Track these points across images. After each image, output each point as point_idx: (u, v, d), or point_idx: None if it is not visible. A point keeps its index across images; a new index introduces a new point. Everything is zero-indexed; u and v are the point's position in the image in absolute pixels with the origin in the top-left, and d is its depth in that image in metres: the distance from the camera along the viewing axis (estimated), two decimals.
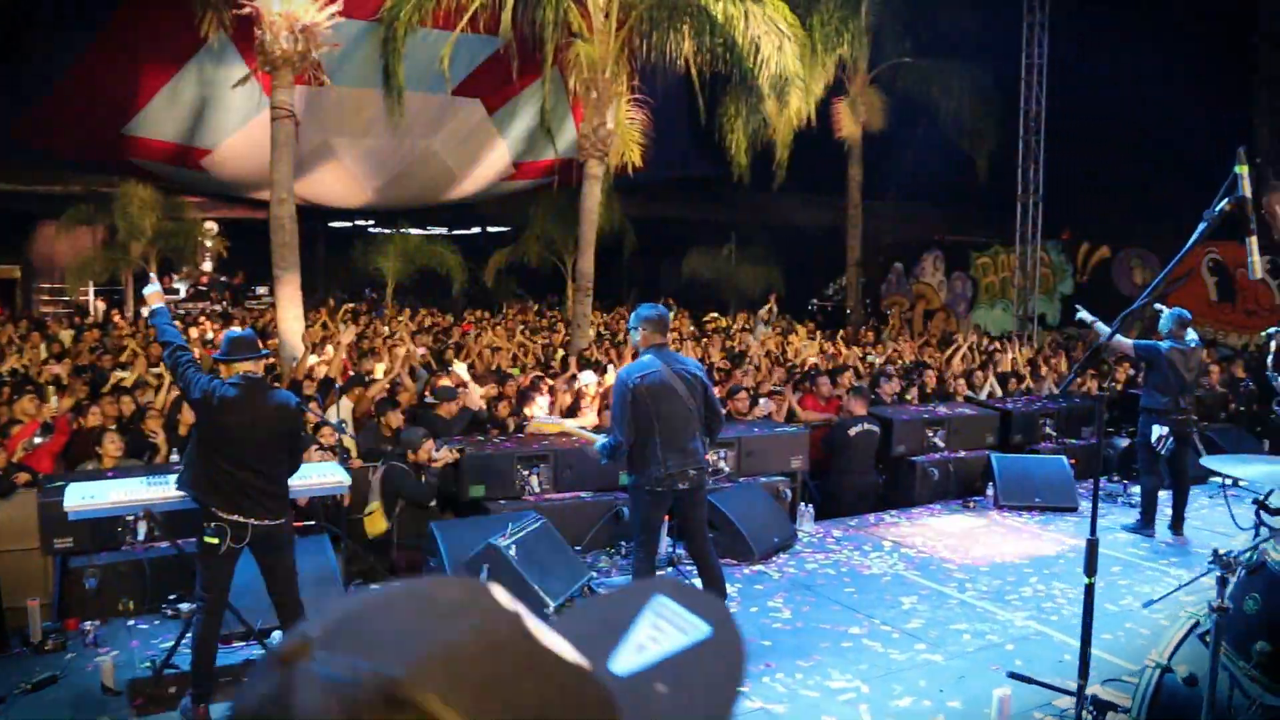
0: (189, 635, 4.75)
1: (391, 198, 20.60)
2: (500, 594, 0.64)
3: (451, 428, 8.05)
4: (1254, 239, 3.33)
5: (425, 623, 0.58)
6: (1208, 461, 3.95)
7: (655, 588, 0.73)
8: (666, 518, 5.84)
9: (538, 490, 7.17)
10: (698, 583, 5.81)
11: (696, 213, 25.51)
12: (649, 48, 13.91)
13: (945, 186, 21.05)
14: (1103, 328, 8.11)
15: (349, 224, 25.07)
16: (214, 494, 4.50)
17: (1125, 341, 8.18)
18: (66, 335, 14.57)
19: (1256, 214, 3.23)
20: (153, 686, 4.79)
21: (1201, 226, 3.19)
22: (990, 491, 8.67)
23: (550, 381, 9.99)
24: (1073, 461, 9.01)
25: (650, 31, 13.84)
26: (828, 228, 23.14)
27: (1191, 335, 8.04)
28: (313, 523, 6.19)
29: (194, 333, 14.42)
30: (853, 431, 8.65)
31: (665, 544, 6.65)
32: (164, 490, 5.04)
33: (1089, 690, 4.05)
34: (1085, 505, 8.59)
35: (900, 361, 12.53)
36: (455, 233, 26.35)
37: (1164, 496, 7.94)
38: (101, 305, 20.05)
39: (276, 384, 8.18)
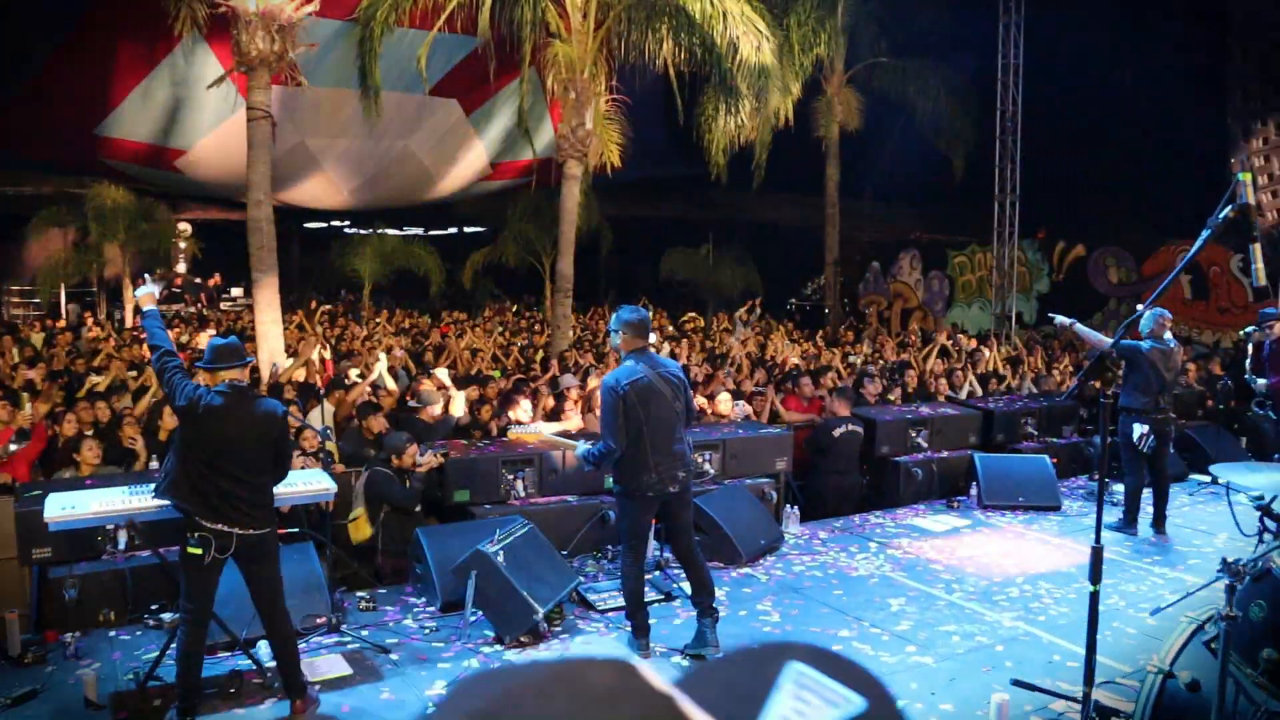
0: (173, 647, 4.67)
1: (368, 199, 20.45)
2: (650, 675, 0.60)
3: (435, 432, 7.98)
4: (1258, 246, 3.33)
5: (581, 713, 0.54)
6: (1217, 469, 3.95)
7: (788, 653, 0.67)
8: (653, 521, 5.81)
9: (523, 494, 7.12)
10: (686, 587, 5.81)
11: (673, 212, 25.51)
12: (627, 48, 13.87)
13: (922, 186, 21.16)
14: (1082, 329, 8.20)
15: (324, 225, 24.90)
16: (198, 503, 4.42)
17: (1107, 341, 8.23)
18: (37, 338, 14.37)
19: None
20: (137, 699, 4.70)
21: (1205, 234, 3.20)
22: (974, 491, 8.70)
23: (532, 384, 9.94)
24: (1054, 460, 9.06)
25: (628, 32, 13.81)
26: (805, 227, 23.19)
27: (1168, 334, 8.12)
28: (296, 530, 6.11)
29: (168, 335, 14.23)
30: (837, 432, 8.65)
31: (652, 547, 6.62)
32: (146, 499, 4.94)
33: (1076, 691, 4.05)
34: (1068, 504, 8.65)
35: (882, 362, 12.55)
36: (432, 233, 26.22)
37: (1145, 494, 7.98)
38: (74, 308, 19.78)
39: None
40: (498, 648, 5.39)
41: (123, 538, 5.75)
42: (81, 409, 7.78)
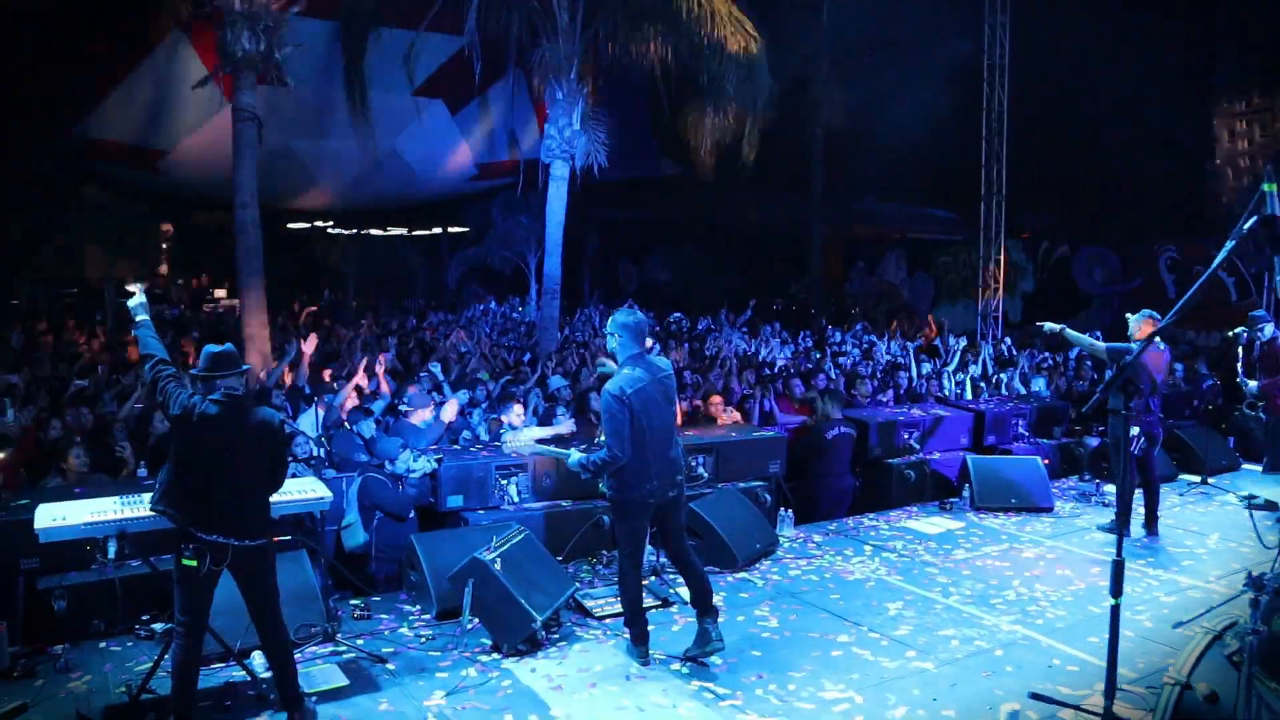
0: (167, 660, 4.60)
1: (353, 199, 20.33)
2: None
3: (426, 436, 7.92)
4: None
5: None
6: (1259, 486, 3.93)
7: None
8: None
9: (516, 500, 7.07)
10: (684, 592, 5.77)
11: (658, 212, 25.48)
12: (614, 49, 13.84)
13: (907, 185, 21.22)
14: (1072, 334, 8.22)
15: (307, 225, 24.70)
16: (192, 514, 4.35)
17: (1099, 344, 8.25)
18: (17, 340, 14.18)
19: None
20: (130, 713, 4.62)
21: (1229, 244, 3.19)
22: (966, 493, 8.69)
23: (519, 389, 9.88)
24: (1045, 461, 9.07)
25: (615, 32, 13.78)
26: (790, 226, 23.21)
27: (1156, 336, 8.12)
28: (289, 537, 6.02)
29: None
30: (830, 434, 8.64)
31: (647, 553, 6.57)
32: (139, 509, 4.87)
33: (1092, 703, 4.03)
34: (1060, 505, 8.66)
35: (872, 364, 12.56)
36: (415, 233, 26.08)
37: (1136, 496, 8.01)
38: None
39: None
40: (495, 656, 5.33)
41: (112, 547, 5.67)
42: (69, 415, 7.67)
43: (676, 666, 5.23)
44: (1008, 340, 14.61)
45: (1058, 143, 18.80)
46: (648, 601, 5.66)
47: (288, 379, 8.73)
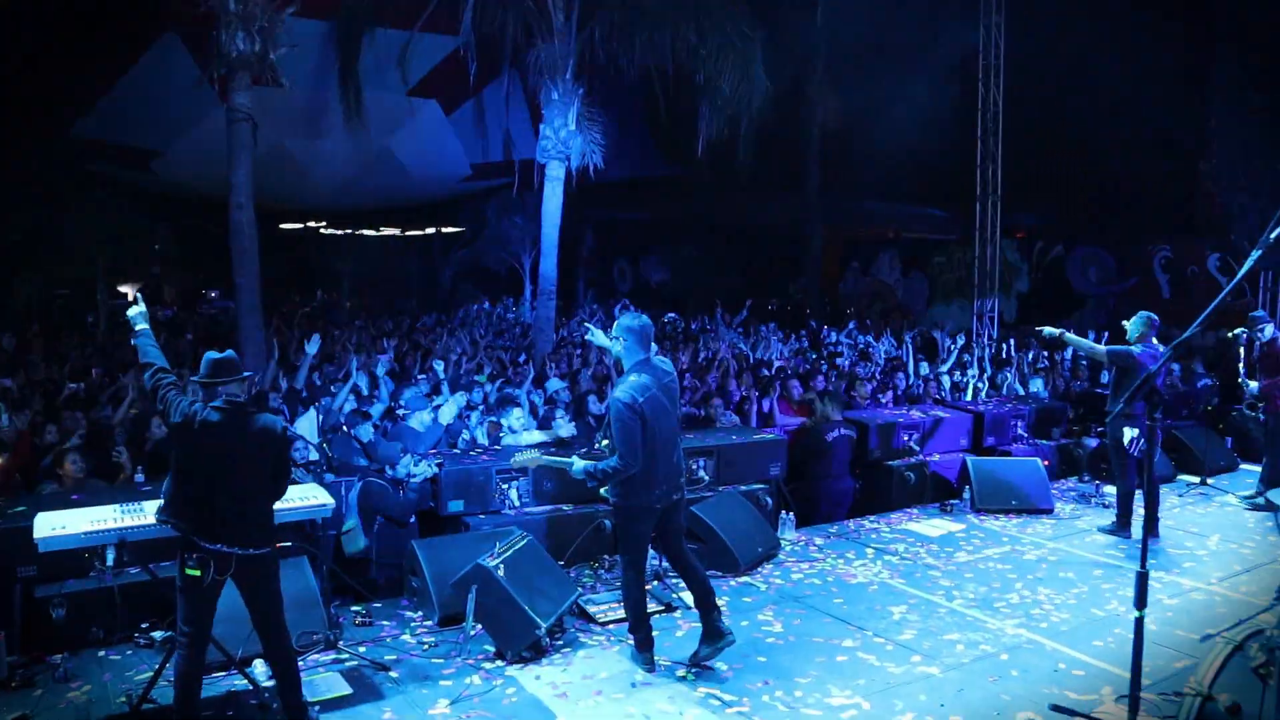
0: (169, 669, 4.55)
1: (347, 199, 20.25)
2: None
3: (425, 440, 7.87)
4: None
5: None
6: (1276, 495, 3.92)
7: None
8: None
9: (517, 504, 7.02)
10: (687, 597, 5.74)
11: (654, 212, 25.45)
12: (609, 49, 13.79)
13: (902, 185, 21.21)
14: (1072, 338, 8.22)
15: (300, 226, 24.60)
16: (196, 523, 4.30)
17: (1099, 347, 8.24)
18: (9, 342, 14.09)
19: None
20: None
21: (1255, 254, 3.16)
22: (966, 495, 8.68)
23: (516, 392, 9.83)
24: (1044, 463, 9.06)
25: (611, 33, 13.73)
26: (786, 227, 23.19)
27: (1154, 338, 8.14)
28: (289, 543, 5.97)
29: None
30: (829, 436, 8.61)
31: (649, 557, 6.53)
32: (138, 517, 4.82)
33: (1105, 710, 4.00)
34: (1060, 507, 8.65)
35: (871, 365, 12.53)
36: (409, 234, 25.99)
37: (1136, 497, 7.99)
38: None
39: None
40: (499, 663, 5.29)
41: (111, 554, 5.61)
42: (65, 419, 7.61)
43: (682, 673, 5.20)
44: (1011, 340, 14.59)
45: (1053, 143, 18.82)
46: (651, 606, 5.63)
47: (299, 381, 8.65)
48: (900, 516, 8.48)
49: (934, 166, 20.16)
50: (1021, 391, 11.44)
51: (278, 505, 4.73)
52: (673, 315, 21.09)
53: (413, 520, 6.73)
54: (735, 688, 5.02)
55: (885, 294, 24.03)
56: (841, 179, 21.45)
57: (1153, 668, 5.25)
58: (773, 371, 11.73)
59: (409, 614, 6.03)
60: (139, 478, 6.98)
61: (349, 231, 22.77)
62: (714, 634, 5.22)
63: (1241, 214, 13.85)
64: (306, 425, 7.64)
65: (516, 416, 8.14)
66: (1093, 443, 10.04)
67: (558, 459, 5.36)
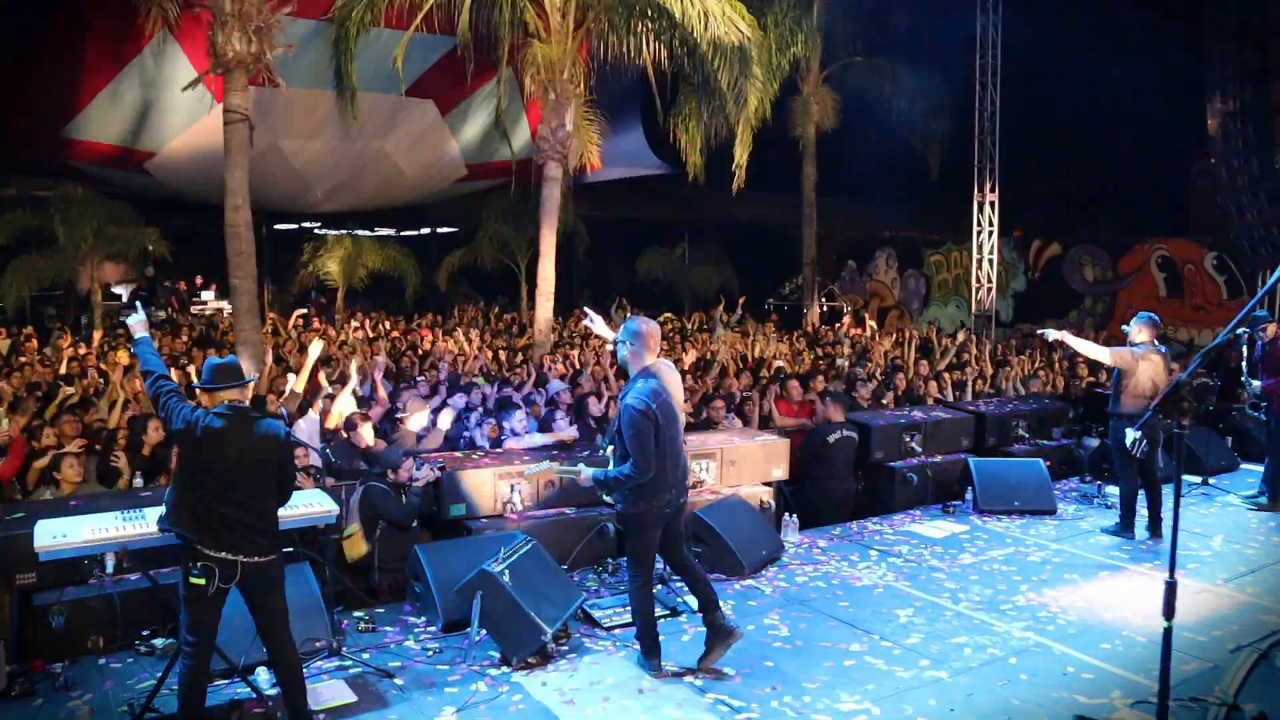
0: (171, 678, 4.50)
1: (342, 200, 20.15)
2: None
3: (426, 443, 7.83)
4: None
5: None
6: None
7: None
8: None
9: (520, 508, 6.97)
10: (691, 600, 5.70)
11: (649, 212, 25.39)
12: (607, 48, 13.72)
13: (898, 185, 21.21)
14: (1073, 341, 8.20)
15: (294, 226, 24.50)
16: (199, 530, 4.24)
17: (1102, 350, 8.22)
18: (3, 344, 14.00)
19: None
20: None
21: None
22: (969, 496, 8.65)
23: (519, 394, 9.79)
24: (1046, 463, 9.03)
25: (608, 32, 13.66)
26: (781, 227, 23.15)
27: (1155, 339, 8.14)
28: (291, 549, 5.91)
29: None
30: (832, 438, 8.57)
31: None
32: (141, 525, 4.76)
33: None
34: (1062, 508, 8.63)
35: (871, 365, 12.51)
36: (404, 234, 25.91)
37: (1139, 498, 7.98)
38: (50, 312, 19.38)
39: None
40: (505, 669, 5.24)
41: (110, 561, 5.56)
42: (65, 422, 7.54)
43: (690, 678, 5.16)
44: (1012, 340, 14.59)
45: (1050, 141, 18.83)
46: (656, 611, 5.58)
47: (299, 385, 8.57)
48: (903, 518, 8.45)
49: (931, 165, 20.18)
50: (1022, 391, 11.42)
51: (283, 513, 4.68)
52: (669, 315, 21.07)
53: (414, 525, 6.66)
54: (744, 693, 4.98)
55: (881, 294, 24.02)
56: (838, 178, 21.42)
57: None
58: (773, 372, 11.71)
59: (412, 619, 5.98)
60: (138, 482, 6.92)
61: (344, 232, 22.66)
62: (720, 632, 5.19)
63: (1239, 213, 13.84)
64: (305, 430, 7.58)
65: (519, 419, 8.08)
66: (1093, 443, 10.03)
67: (568, 467, 5.28)
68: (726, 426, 8.93)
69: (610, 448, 5.19)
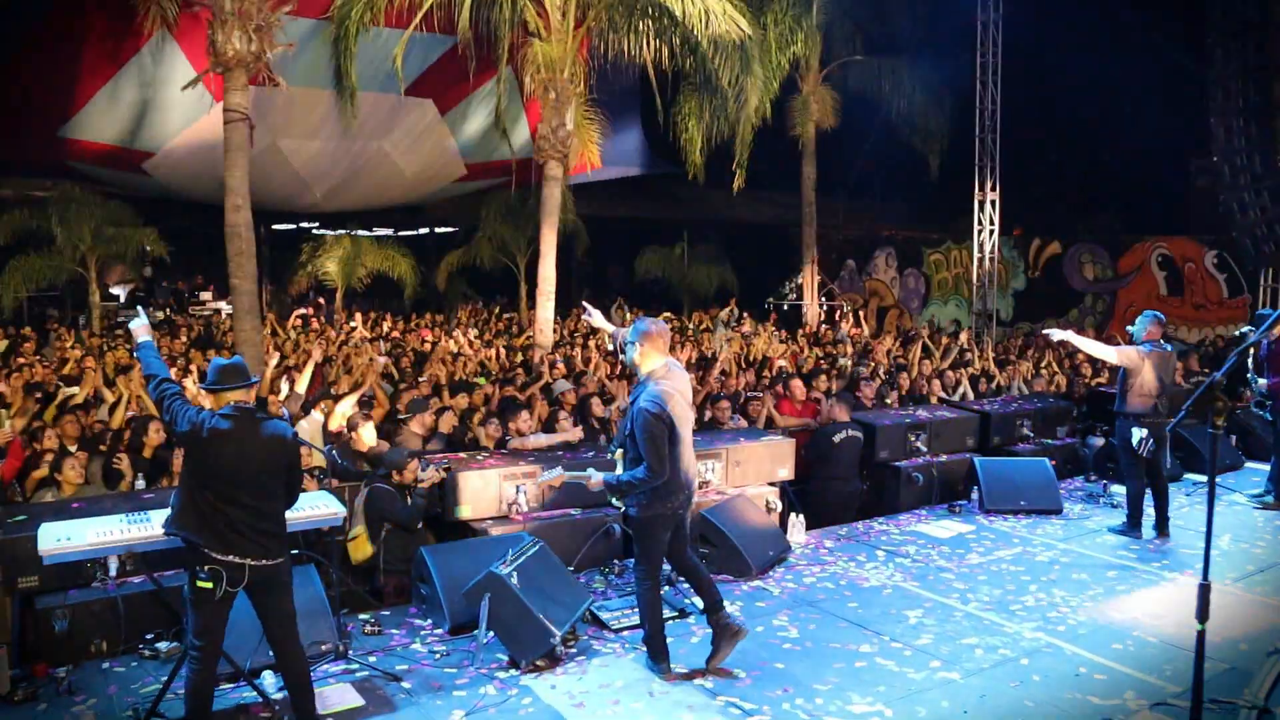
0: (177, 682, 4.45)
1: (340, 200, 20.08)
2: None
3: (427, 444, 7.78)
4: None
5: None
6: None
7: None
8: None
9: (525, 509, 6.92)
10: (698, 601, 5.65)
11: (646, 211, 25.33)
12: (607, 47, 13.67)
13: (897, 184, 21.17)
14: (1078, 340, 8.16)
15: (292, 226, 24.44)
16: (206, 533, 4.19)
17: (1109, 349, 8.18)
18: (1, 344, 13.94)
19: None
20: None
21: None
22: (975, 495, 8.61)
23: (520, 394, 9.74)
24: (1052, 463, 9.00)
25: (609, 31, 13.61)
26: (779, 226, 23.10)
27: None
28: (296, 551, 5.86)
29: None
30: (837, 438, 8.54)
31: None
32: (145, 527, 4.71)
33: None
34: (1069, 507, 8.59)
35: (873, 364, 12.47)
36: (402, 234, 25.84)
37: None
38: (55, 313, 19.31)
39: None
40: (513, 672, 5.19)
41: (114, 564, 5.51)
42: (67, 423, 7.48)
43: (700, 680, 5.11)
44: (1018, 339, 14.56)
45: (1050, 140, 18.80)
46: (664, 613, 5.53)
47: (300, 386, 8.52)
48: (909, 518, 8.40)
49: (929, 164, 20.14)
50: (1026, 390, 11.39)
51: (290, 515, 4.63)
52: (667, 315, 21.03)
53: (419, 526, 6.61)
54: (755, 696, 4.93)
55: (881, 293, 23.98)
56: (837, 177, 21.38)
57: (1174, 672, 5.20)
58: (775, 372, 11.67)
59: (418, 622, 5.93)
60: (140, 483, 6.86)
61: (342, 232, 22.57)
62: (725, 631, 5.15)
63: (1241, 210, 13.81)
64: (309, 431, 7.53)
65: (524, 419, 8.03)
66: (1097, 442, 9.99)
67: (578, 473, 5.22)
68: (732, 426, 8.89)
69: (620, 451, 5.14)
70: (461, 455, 7.36)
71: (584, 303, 6.57)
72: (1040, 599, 6.39)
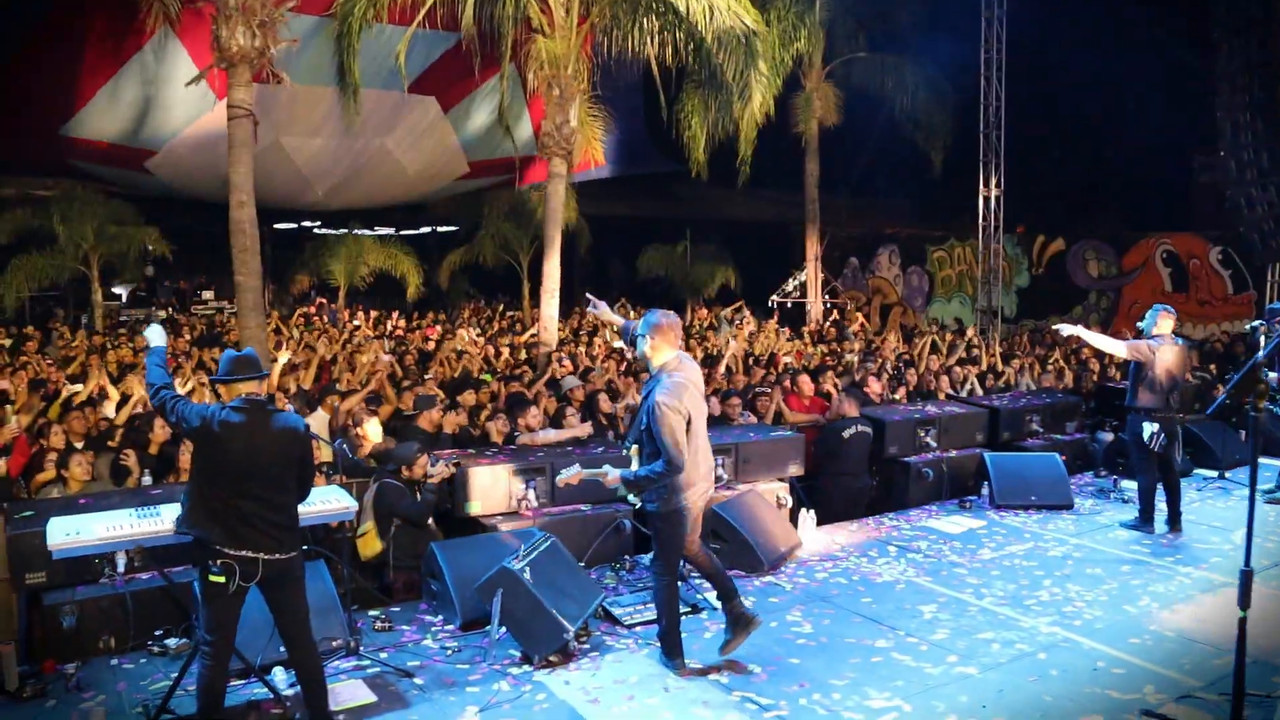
0: (187, 679, 4.40)
1: (343, 197, 20.03)
2: None
3: (435, 441, 7.73)
4: None
5: None
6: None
7: None
8: None
9: (535, 504, 6.87)
10: (712, 597, 5.62)
11: (650, 209, 25.28)
12: (611, 44, 13.62)
13: (901, 181, 21.12)
14: (1087, 335, 8.11)
15: (294, 225, 24.40)
16: (218, 528, 4.14)
17: (1119, 344, 8.13)
18: (3, 342, 13.90)
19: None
20: None
21: None
22: (985, 491, 8.57)
23: (529, 391, 9.69)
24: (1062, 458, 8.95)
25: (613, 27, 13.55)
26: (782, 223, 23.04)
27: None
28: (305, 547, 5.81)
29: (140, 342, 13.79)
30: (846, 434, 8.49)
31: None
32: (155, 523, 4.66)
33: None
34: (1080, 502, 8.54)
35: (881, 361, 12.42)
36: (404, 233, 25.79)
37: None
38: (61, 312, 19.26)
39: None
40: (526, 668, 5.15)
41: (122, 559, 5.45)
42: (74, 419, 7.44)
43: (715, 676, 5.07)
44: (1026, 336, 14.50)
45: (1053, 136, 18.75)
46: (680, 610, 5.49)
47: (306, 383, 8.48)
48: (919, 514, 8.36)
49: (932, 161, 20.08)
50: (1034, 386, 11.34)
51: (302, 510, 4.57)
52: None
53: (429, 522, 6.56)
54: (771, 691, 4.88)
55: (884, 290, 23.93)
56: (840, 174, 21.32)
57: (1191, 665, 5.17)
58: (781, 368, 11.62)
59: (429, 618, 5.88)
60: (147, 479, 6.82)
61: (344, 230, 22.53)
62: (739, 621, 5.10)
63: (1248, 206, 13.76)
64: (317, 425, 7.49)
65: (534, 415, 7.98)
66: (1106, 436, 9.95)
67: (595, 470, 5.16)
68: (741, 423, 8.84)
69: (635, 447, 5.09)
70: (471, 451, 7.31)
71: (588, 295, 6.53)
72: (1055, 594, 6.34)
